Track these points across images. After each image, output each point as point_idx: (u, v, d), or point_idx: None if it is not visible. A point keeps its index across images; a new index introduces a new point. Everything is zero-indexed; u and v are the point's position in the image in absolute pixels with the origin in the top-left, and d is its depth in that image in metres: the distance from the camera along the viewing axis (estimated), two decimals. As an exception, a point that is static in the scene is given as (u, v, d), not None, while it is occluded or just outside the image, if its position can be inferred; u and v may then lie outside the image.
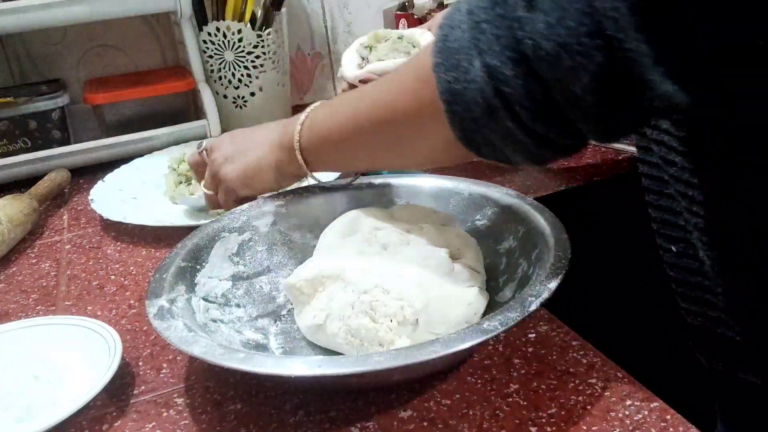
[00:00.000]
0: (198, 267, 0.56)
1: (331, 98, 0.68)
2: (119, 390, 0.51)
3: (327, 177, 0.82)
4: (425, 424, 0.44)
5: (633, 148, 0.88)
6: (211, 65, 1.04)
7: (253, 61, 1.04)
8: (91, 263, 0.72)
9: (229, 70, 1.04)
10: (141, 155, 0.95)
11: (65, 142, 0.98)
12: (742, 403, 0.54)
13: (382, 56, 0.72)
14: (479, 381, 0.47)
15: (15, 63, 1.10)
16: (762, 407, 0.51)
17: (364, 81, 0.70)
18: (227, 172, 0.62)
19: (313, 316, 0.51)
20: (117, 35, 1.14)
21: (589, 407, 0.43)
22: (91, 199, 0.81)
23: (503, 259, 0.56)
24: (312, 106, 0.58)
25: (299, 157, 0.57)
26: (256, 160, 0.61)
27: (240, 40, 1.02)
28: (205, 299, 0.54)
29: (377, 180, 0.65)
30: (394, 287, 0.49)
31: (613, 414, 0.43)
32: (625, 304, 0.97)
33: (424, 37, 0.74)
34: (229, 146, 0.63)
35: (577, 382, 0.46)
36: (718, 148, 0.43)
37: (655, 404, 0.43)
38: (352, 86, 0.72)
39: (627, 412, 0.43)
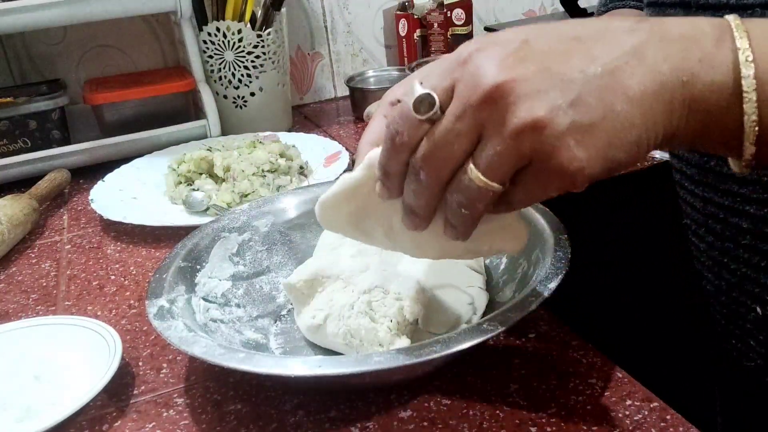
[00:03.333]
0: (198, 267, 0.56)
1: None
2: (119, 390, 0.51)
3: (327, 177, 0.82)
4: (425, 424, 0.44)
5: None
6: (211, 65, 1.04)
7: (253, 61, 1.04)
8: (91, 263, 0.72)
9: (229, 70, 1.04)
10: (141, 155, 0.95)
11: (65, 142, 0.97)
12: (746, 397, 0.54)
13: None
14: (479, 381, 0.47)
15: (15, 63, 1.10)
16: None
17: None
18: (578, 151, 0.31)
19: (313, 317, 0.51)
20: (117, 35, 1.14)
21: (589, 407, 0.43)
22: (91, 199, 0.81)
23: (503, 259, 0.56)
24: (738, 25, 0.32)
25: (750, 129, 0.32)
26: (627, 128, 0.32)
27: (240, 40, 1.02)
28: (205, 299, 0.54)
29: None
30: (393, 287, 0.49)
31: (613, 414, 0.43)
32: (625, 304, 0.97)
33: None
34: (552, 90, 0.31)
35: (577, 382, 0.46)
36: None
37: (655, 404, 0.43)
38: None
39: (627, 412, 0.43)
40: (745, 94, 0.31)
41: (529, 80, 0.31)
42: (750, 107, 0.31)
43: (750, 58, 0.31)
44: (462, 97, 0.33)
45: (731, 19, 0.32)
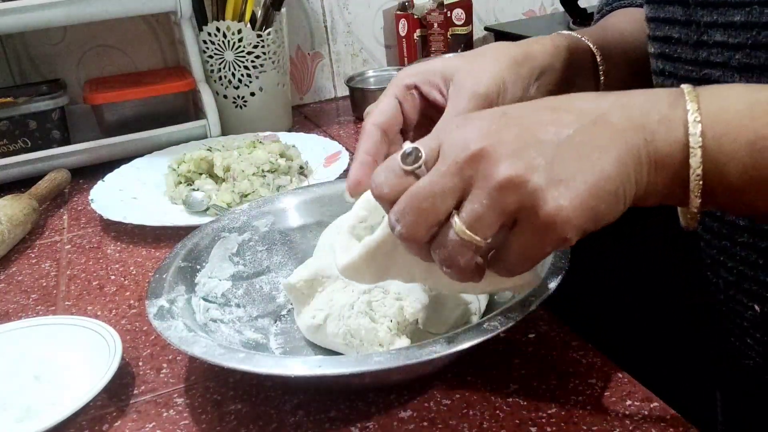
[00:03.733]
0: (198, 267, 0.56)
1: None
2: (119, 390, 0.51)
3: (327, 177, 0.82)
4: (425, 424, 0.44)
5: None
6: (211, 65, 1.04)
7: (253, 61, 1.04)
8: (91, 263, 0.72)
9: (229, 70, 1.04)
10: (141, 155, 0.95)
11: (65, 142, 0.97)
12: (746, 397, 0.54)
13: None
14: (479, 381, 0.47)
15: (15, 63, 1.10)
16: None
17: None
18: (561, 200, 0.33)
19: (313, 317, 0.51)
20: (117, 35, 1.14)
21: (589, 407, 0.43)
22: (91, 199, 0.81)
23: (503, 259, 0.56)
24: (689, 92, 0.35)
25: (695, 183, 0.34)
26: (604, 179, 0.34)
27: (240, 40, 1.02)
28: (205, 299, 0.54)
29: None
30: (393, 287, 0.49)
31: (613, 414, 0.43)
32: (625, 304, 0.97)
33: None
34: (531, 150, 0.34)
35: (577, 382, 0.46)
36: None
37: (655, 404, 0.43)
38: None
39: (627, 412, 0.43)
40: (691, 150, 0.34)
41: (511, 143, 0.34)
42: (695, 162, 0.34)
43: (698, 119, 0.34)
44: (447, 156, 0.35)
45: (685, 87, 0.36)
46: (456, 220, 0.35)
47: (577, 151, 0.34)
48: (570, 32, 0.56)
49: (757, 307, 0.50)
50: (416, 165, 0.36)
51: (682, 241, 0.59)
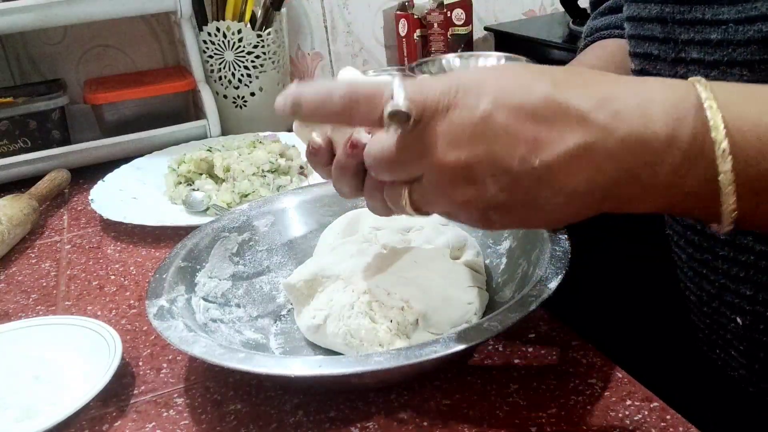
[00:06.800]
0: (198, 267, 0.56)
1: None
2: (119, 390, 0.51)
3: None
4: (425, 424, 0.44)
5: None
6: (211, 65, 1.04)
7: (253, 61, 1.04)
8: (91, 263, 0.72)
9: (229, 70, 1.04)
10: (141, 155, 0.95)
11: (65, 142, 0.97)
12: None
13: None
14: (479, 381, 0.47)
15: (15, 63, 1.10)
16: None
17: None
18: (497, 224, 0.36)
19: (313, 317, 0.51)
20: (117, 35, 1.14)
21: (589, 407, 0.43)
22: (91, 199, 0.81)
23: (503, 259, 0.56)
24: (710, 104, 0.31)
25: (730, 215, 0.31)
26: (546, 213, 0.34)
27: (240, 40, 1.02)
28: (205, 299, 0.54)
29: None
30: (393, 287, 0.49)
31: (613, 414, 0.43)
32: (625, 305, 0.97)
33: None
34: (489, 181, 0.33)
35: (577, 382, 0.46)
36: None
37: (655, 404, 0.43)
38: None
39: (627, 412, 0.43)
40: (722, 187, 0.30)
41: (473, 167, 0.33)
42: (728, 198, 0.31)
43: (726, 150, 0.29)
44: (426, 148, 0.34)
45: (700, 93, 0.31)
46: (406, 196, 0.37)
47: (533, 184, 0.32)
48: None
49: (739, 320, 0.50)
50: (397, 128, 0.34)
51: (664, 253, 0.59)
